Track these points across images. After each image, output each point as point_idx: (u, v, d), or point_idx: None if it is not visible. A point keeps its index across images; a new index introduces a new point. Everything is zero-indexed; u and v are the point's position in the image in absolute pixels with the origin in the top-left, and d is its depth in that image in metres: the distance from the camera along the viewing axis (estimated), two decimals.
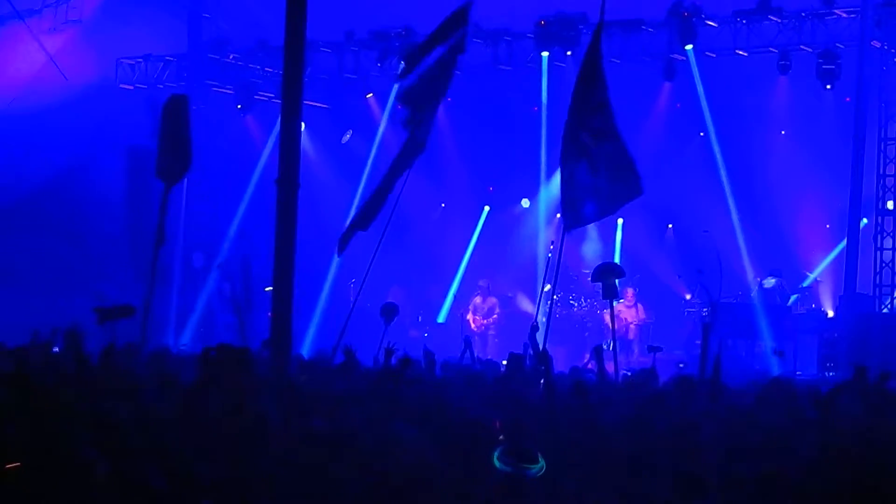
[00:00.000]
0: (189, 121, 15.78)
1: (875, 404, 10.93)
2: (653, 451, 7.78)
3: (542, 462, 6.68)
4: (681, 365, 22.26)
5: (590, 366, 15.89)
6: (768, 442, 8.17)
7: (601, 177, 14.38)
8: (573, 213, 14.73)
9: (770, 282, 25.00)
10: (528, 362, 14.10)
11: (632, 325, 25.64)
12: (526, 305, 27.45)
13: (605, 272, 15.10)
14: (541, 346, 14.13)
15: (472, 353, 16.43)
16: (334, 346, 15.14)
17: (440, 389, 11.25)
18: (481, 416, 8.30)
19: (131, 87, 29.09)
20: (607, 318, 25.56)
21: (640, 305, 25.96)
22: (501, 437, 7.55)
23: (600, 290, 15.41)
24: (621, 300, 25.76)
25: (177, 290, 27.93)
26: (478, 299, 27.31)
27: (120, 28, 27.70)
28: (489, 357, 19.25)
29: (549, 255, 21.97)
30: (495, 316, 27.06)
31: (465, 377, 12.76)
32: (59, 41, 28.70)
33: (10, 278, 25.73)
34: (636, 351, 24.98)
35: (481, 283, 27.56)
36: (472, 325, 26.93)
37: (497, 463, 6.66)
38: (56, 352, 14.82)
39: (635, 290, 26.13)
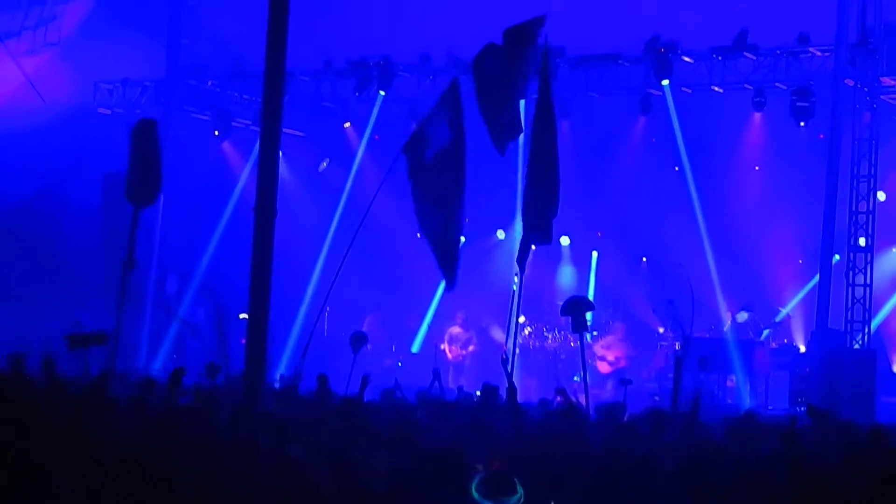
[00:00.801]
0: (159, 144, 15.83)
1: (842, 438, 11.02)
2: (622, 483, 7.83)
3: (520, 492, 6.71)
4: (656, 398, 22.36)
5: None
6: (737, 474, 8.23)
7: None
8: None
9: (743, 316, 25.12)
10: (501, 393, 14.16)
11: (622, 362, 25.72)
12: (500, 336, 27.51)
13: (575, 306, 15.15)
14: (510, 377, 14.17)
15: (440, 384, 16.49)
16: (296, 373, 15.16)
17: (412, 418, 11.29)
18: (453, 444, 8.35)
19: (109, 112, 29.07)
20: (600, 349, 25.77)
21: (628, 341, 26.10)
22: (479, 466, 7.58)
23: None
24: (612, 334, 25.95)
25: (149, 314, 27.88)
26: (455, 329, 27.35)
27: (98, 52, 27.71)
28: (462, 386, 19.27)
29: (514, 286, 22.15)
30: (472, 348, 27.13)
31: (438, 407, 12.80)
32: (37, 63, 28.70)
33: None
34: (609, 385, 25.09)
35: (459, 314, 27.61)
36: (449, 355, 26.98)
37: (475, 494, 6.68)
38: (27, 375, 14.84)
39: (625, 325, 26.27)
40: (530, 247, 14.77)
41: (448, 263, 14.83)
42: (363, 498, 6.51)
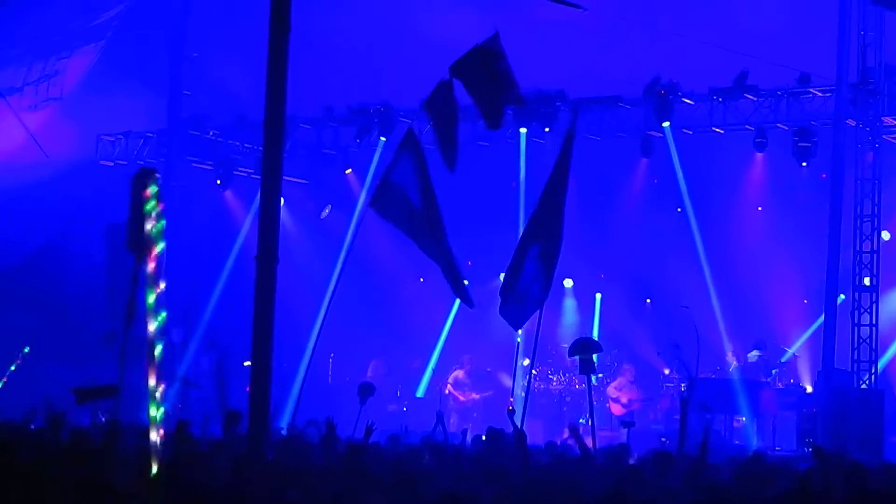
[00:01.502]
0: (160, 193, 15.76)
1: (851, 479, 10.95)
2: None
3: None
4: (663, 439, 22.28)
5: (569, 441, 15.90)
6: None
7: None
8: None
9: (754, 355, 25.07)
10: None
11: (636, 405, 25.60)
12: (504, 380, 27.43)
13: (582, 347, 15.11)
14: (518, 424, 14.14)
15: (444, 427, 16.47)
16: (292, 419, 15.17)
17: (417, 462, 11.24)
18: (459, 489, 8.30)
19: (111, 164, 29.16)
20: (614, 391, 25.68)
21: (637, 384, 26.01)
22: None
23: (577, 365, 15.40)
24: (622, 377, 25.88)
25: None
26: (460, 373, 27.31)
27: (100, 105, 27.83)
28: (466, 430, 19.22)
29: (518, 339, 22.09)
30: (476, 396, 27.11)
31: (443, 451, 12.74)
32: (40, 118, 28.83)
33: None
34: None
35: (465, 358, 27.60)
36: (461, 398, 26.96)
37: None
38: (33, 428, 14.81)
39: (633, 367, 26.20)
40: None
41: (460, 284, 15.03)
42: None
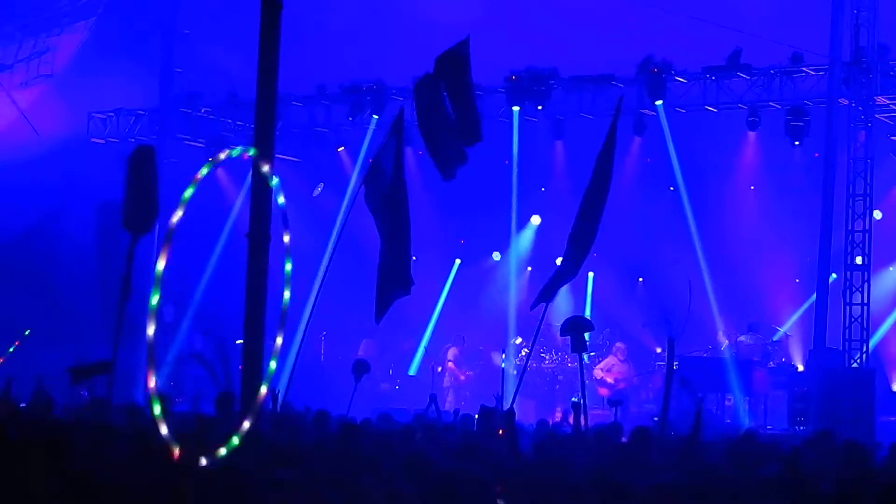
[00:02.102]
0: (156, 172, 15.64)
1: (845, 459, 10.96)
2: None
3: None
4: (655, 419, 22.28)
5: (570, 420, 15.92)
6: (735, 497, 8.18)
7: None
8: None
9: (745, 338, 25.07)
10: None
11: (621, 384, 25.62)
12: (496, 359, 27.45)
13: (574, 326, 15.09)
14: (509, 403, 14.14)
15: (437, 407, 16.48)
16: (277, 395, 15.16)
17: (410, 442, 11.23)
18: (454, 468, 8.28)
19: (103, 141, 29.10)
20: (600, 372, 25.68)
21: (630, 362, 26.02)
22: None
23: (569, 344, 15.39)
24: (612, 355, 25.89)
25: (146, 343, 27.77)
26: (456, 350, 27.34)
27: (91, 82, 27.75)
28: (458, 409, 19.23)
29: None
30: (470, 372, 27.15)
31: (436, 430, 12.75)
32: (31, 96, 28.74)
33: None
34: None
35: (461, 336, 27.69)
36: (461, 376, 27.03)
37: None
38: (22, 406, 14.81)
39: (626, 346, 26.22)
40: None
41: (385, 297, 14.88)
42: None
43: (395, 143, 15.10)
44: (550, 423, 17.06)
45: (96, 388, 14.21)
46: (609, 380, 25.60)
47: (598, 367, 25.91)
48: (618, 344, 26.07)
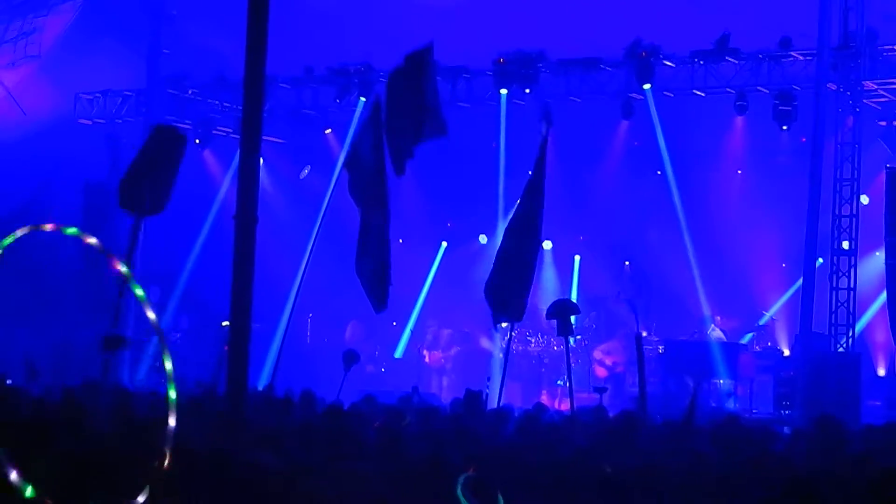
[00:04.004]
0: (181, 157, 15.32)
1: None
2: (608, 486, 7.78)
3: (501, 502, 6.66)
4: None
5: (562, 407, 15.97)
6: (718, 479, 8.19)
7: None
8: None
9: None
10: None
11: (620, 367, 25.69)
12: (485, 343, 27.48)
13: (561, 309, 15.08)
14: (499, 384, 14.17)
15: (420, 398, 16.54)
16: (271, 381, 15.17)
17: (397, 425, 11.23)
18: (438, 452, 8.28)
19: (90, 122, 29.02)
20: (599, 353, 25.75)
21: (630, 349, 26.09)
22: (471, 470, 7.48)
23: (555, 327, 15.38)
24: (616, 340, 25.96)
25: (132, 324, 27.75)
26: (444, 331, 27.42)
27: (78, 63, 27.65)
28: (441, 393, 19.32)
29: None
30: (454, 350, 27.16)
31: (422, 413, 12.76)
32: (18, 76, 28.64)
33: None
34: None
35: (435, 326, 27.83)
36: (427, 359, 27.11)
37: (460, 497, 6.61)
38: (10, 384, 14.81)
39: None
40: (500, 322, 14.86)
41: (378, 287, 14.73)
42: None
43: (373, 131, 14.98)
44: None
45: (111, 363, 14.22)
46: (608, 361, 25.67)
47: (598, 348, 25.96)
48: (622, 330, 26.22)
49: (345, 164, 15.23)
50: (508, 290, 14.72)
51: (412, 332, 28.82)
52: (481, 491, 6.66)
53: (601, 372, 25.60)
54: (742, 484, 8.02)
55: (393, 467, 7.95)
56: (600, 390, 15.92)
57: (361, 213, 15.05)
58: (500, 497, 6.66)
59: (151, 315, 7.19)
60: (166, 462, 6.78)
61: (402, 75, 14.73)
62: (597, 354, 25.79)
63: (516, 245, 14.86)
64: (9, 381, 15.73)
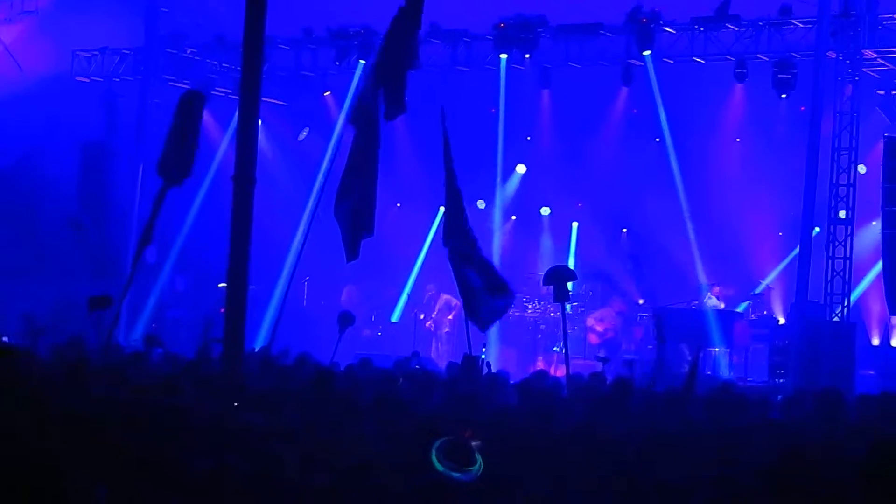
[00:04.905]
0: (200, 120, 15.14)
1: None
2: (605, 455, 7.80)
3: (479, 462, 6.64)
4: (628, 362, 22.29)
5: (559, 373, 15.98)
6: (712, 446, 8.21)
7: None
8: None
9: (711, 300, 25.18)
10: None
11: (610, 333, 25.76)
12: None
13: (557, 276, 15.08)
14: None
15: (421, 364, 16.58)
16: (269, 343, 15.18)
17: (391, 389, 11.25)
18: (434, 415, 8.31)
19: (87, 80, 28.92)
20: (591, 320, 25.80)
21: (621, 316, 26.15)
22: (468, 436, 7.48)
23: (552, 293, 15.38)
24: (609, 307, 26.02)
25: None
26: (446, 297, 27.44)
27: (76, 20, 27.52)
28: (438, 359, 19.36)
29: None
30: (451, 316, 27.16)
31: (419, 378, 12.78)
32: (15, 32, 28.52)
33: None
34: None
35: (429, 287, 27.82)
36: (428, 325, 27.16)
37: (434, 460, 6.61)
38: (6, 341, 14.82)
39: (621, 300, 26.33)
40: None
41: (351, 234, 14.67)
42: (329, 471, 6.43)
43: (373, 81, 14.99)
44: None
45: (103, 322, 14.20)
46: (599, 328, 25.72)
47: (591, 315, 26.00)
48: (615, 297, 26.26)
49: (350, 117, 15.12)
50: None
51: (409, 296, 28.81)
52: (458, 454, 6.64)
53: (593, 339, 25.65)
54: (735, 452, 8.04)
55: (388, 431, 7.96)
56: (604, 360, 15.94)
57: (350, 153, 14.97)
58: (479, 458, 6.64)
59: None
60: None
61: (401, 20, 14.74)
62: (589, 321, 25.85)
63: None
64: (5, 339, 15.75)
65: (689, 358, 14.84)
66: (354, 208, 14.98)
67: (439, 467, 6.55)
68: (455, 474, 6.54)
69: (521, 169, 28.93)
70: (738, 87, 25.20)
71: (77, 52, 28.81)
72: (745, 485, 6.55)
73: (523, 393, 11.11)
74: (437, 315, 27.24)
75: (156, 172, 14.98)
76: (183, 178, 14.58)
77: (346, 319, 16.66)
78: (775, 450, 6.94)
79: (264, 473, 6.36)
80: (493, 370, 15.47)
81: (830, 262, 22.99)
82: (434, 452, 6.59)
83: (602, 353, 23.69)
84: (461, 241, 14.45)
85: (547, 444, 7.93)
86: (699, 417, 10.58)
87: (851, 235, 23.04)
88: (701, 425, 9.61)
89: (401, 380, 13.03)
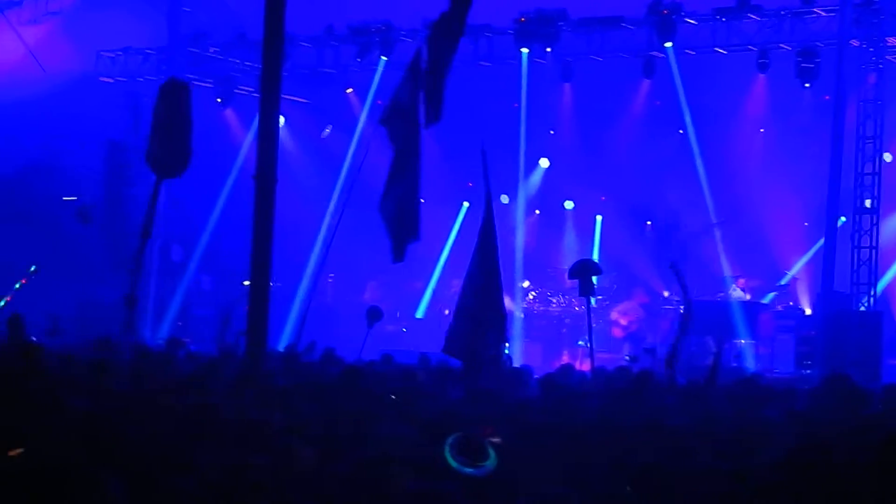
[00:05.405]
0: (190, 110, 14.92)
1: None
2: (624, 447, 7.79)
3: (493, 457, 6.64)
4: (626, 357, 22.17)
5: (584, 367, 15.97)
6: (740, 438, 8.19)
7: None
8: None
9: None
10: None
11: (634, 326, 25.73)
12: (507, 303, 27.44)
13: (582, 269, 15.07)
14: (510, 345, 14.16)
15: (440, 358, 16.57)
16: (295, 340, 15.20)
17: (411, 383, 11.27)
18: (454, 408, 8.31)
19: (111, 80, 29.06)
20: (615, 314, 25.77)
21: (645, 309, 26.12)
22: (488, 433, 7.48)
23: (577, 287, 15.35)
24: (633, 300, 25.98)
25: (154, 283, 27.88)
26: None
27: (100, 20, 27.61)
28: None
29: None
30: None
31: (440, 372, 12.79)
32: (39, 33, 28.62)
33: None
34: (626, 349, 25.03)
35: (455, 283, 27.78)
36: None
37: (448, 456, 6.60)
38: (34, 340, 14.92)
39: (644, 291, 26.32)
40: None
41: (401, 235, 14.56)
42: (345, 469, 6.44)
43: (412, 82, 14.90)
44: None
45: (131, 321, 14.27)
46: (623, 322, 25.69)
47: (615, 308, 25.97)
48: (637, 288, 26.24)
49: (383, 117, 15.00)
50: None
51: (434, 292, 28.82)
52: (472, 449, 6.63)
53: (617, 332, 25.62)
54: (754, 444, 8.02)
55: (406, 427, 7.97)
56: (634, 360, 15.94)
57: (395, 154, 14.90)
58: (493, 453, 6.64)
59: None
60: None
61: (445, 24, 14.68)
62: (613, 315, 25.82)
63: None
64: (33, 338, 15.83)
65: (714, 351, 14.76)
66: (399, 210, 14.88)
67: (453, 463, 6.55)
68: (468, 470, 6.54)
69: (544, 163, 28.91)
70: (761, 77, 25.11)
71: (101, 53, 28.98)
72: (761, 477, 6.54)
73: (545, 387, 11.11)
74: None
75: (146, 165, 14.71)
76: (181, 171, 14.34)
77: (374, 314, 16.72)
78: (794, 441, 6.93)
79: (282, 469, 6.38)
80: (517, 365, 15.44)
81: (856, 251, 22.91)
82: (447, 448, 6.59)
83: (628, 349, 23.71)
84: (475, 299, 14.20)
85: (563, 437, 7.93)
86: (721, 409, 10.55)
87: (877, 224, 22.96)
88: (722, 417, 9.58)
89: (420, 376, 13.04)
